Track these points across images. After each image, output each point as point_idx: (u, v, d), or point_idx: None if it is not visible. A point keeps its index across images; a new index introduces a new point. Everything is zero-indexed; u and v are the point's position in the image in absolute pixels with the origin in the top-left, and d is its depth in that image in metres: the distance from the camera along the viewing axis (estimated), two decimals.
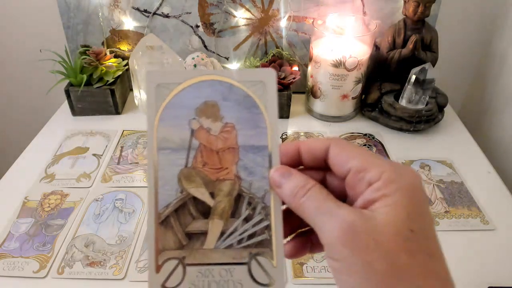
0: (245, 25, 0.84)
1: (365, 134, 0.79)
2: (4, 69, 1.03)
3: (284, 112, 0.82)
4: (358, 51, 0.75)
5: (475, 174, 0.69)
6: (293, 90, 0.80)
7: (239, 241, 0.27)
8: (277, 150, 0.28)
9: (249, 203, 0.28)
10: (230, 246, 0.27)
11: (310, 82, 0.82)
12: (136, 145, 0.75)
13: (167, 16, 0.83)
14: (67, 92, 0.80)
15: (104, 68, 0.80)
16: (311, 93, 0.82)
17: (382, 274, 0.22)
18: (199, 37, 0.86)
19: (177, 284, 0.27)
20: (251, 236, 0.27)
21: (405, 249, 0.22)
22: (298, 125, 0.82)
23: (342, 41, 0.76)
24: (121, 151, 0.73)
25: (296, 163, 0.28)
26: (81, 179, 0.67)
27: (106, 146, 0.75)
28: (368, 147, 0.75)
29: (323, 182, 0.27)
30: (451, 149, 0.75)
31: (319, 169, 0.28)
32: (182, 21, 0.84)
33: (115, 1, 0.82)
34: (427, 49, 0.78)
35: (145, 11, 0.83)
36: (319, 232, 0.24)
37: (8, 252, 0.54)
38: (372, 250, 0.22)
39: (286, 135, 0.78)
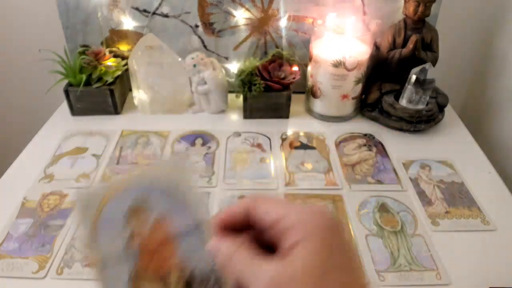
0: (244, 24, 0.84)
1: (365, 134, 0.78)
2: (3, 69, 1.03)
3: (284, 112, 0.82)
4: (358, 51, 0.75)
5: (476, 174, 0.69)
6: (293, 90, 0.80)
7: None
8: (207, 224, 0.28)
9: (201, 281, 0.28)
10: None
11: (310, 82, 0.82)
12: (135, 145, 0.74)
13: (166, 16, 0.83)
14: (66, 92, 0.79)
15: (103, 68, 0.80)
16: (311, 93, 0.82)
17: None
18: (199, 37, 0.86)
19: None
20: None
21: None
22: (298, 125, 0.81)
23: (342, 41, 0.76)
24: (120, 151, 0.73)
25: (232, 227, 0.29)
26: (80, 180, 0.67)
27: (105, 146, 0.74)
28: (368, 147, 0.75)
29: (259, 236, 0.28)
30: (451, 149, 0.75)
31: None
32: (182, 21, 0.84)
33: (114, 1, 0.82)
34: (427, 49, 0.78)
35: (145, 11, 0.83)
36: None
37: (7, 252, 0.54)
38: None
39: (286, 135, 0.78)
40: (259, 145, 0.75)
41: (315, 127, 0.81)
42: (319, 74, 0.78)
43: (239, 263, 0.26)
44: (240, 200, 0.30)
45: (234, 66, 0.88)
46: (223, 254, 0.27)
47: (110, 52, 0.85)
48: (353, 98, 0.80)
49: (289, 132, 0.79)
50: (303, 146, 0.75)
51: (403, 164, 0.71)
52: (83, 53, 0.81)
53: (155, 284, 0.28)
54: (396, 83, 0.79)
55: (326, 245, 0.25)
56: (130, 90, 0.85)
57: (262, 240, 0.28)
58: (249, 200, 0.28)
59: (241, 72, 0.78)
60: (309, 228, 0.25)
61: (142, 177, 0.29)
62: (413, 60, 0.76)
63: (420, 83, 0.73)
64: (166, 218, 0.28)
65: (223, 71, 0.83)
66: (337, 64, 0.74)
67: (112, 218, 0.28)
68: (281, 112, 0.82)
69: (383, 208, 0.62)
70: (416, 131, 0.78)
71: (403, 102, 0.77)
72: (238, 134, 0.78)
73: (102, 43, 0.86)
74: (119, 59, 0.84)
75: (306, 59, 0.87)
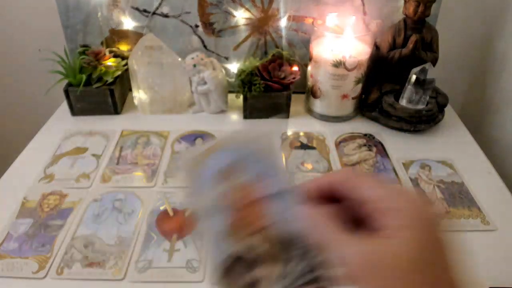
0: (244, 24, 0.84)
1: (365, 134, 0.78)
2: (3, 69, 1.03)
3: (284, 112, 0.82)
4: (358, 51, 0.75)
5: (476, 174, 0.69)
6: (293, 90, 0.80)
7: (297, 280, 0.28)
8: (295, 190, 0.30)
9: (288, 244, 0.29)
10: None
11: (310, 82, 0.82)
12: (135, 145, 0.74)
13: (166, 16, 0.83)
14: (66, 92, 0.79)
15: (103, 68, 0.80)
16: (311, 93, 0.82)
17: None
18: (199, 37, 0.86)
19: None
20: (308, 273, 0.28)
21: (418, 281, 0.24)
22: (298, 125, 0.81)
23: (342, 41, 0.76)
24: (120, 151, 0.73)
25: (324, 196, 0.29)
26: (80, 180, 0.67)
27: (105, 146, 0.74)
28: (368, 147, 0.75)
29: (347, 210, 0.28)
30: (451, 149, 0.75)
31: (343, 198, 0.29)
32: (182, 21, 0.84)
33: (114, 1, 0.82)
34: (427, 49, 0.78)
35: (145, 10, 0.83)
36: (337, 263, 0.26)
37: (7, 252, 0.54)
38: (389, 280, 0.24)
39: (286, 135, 0.78)
40: None
41: (315, 127, 0.81)
42: (319, 74, 0.78)
43: (325, 233, 0.26)
44: (327, 173, 0.31)
45: (234, 66, 0.88)
46: (310, 221, 0.27)
47: (110, 52, 0.85)
48: (353, 98, 0.80)
49: (289, 132, 0.79)
50: (303, 146, 0.75)
51: (403, 164, 0.71)
52: (83, 53, 0.81)
53: (247, 239, 0.29)
54: (396, 83, 0.79)
55: (427, 238, 0.25)
56: (130, 90, 0.85)
57: (344, 215, 0.28)
58: (341, 174, 0.29)
59: (241, 72, 0.78)
60: (413, 216, 0.25)
61: (238, 140, 0.32)
62: (413, 60, 0.76)
63: (420, 83, 0.73)
64: (258, 180, 0.30)
65: (223, 71, 0.83)
66: (337, 64, 0.74)
67: (210, 175, 0.31)
68: (281, 112, 0.82)
69: None
70: (416, 131, 0.78)
71: (403, 102, 0.77)
72: None
73: (102, 43, 0.86)
74: (119, 59, 0.84)
75: (306, 59, 0.87)
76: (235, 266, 0.29)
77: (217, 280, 0.29)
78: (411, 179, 0.67)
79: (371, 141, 0.77)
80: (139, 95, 0.83)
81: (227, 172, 0.31)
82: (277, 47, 0.86)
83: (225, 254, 0.29)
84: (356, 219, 0.27)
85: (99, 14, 0.83)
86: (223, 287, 0.29)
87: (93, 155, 0.72)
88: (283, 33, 0.85)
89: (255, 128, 0.34)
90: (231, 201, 0.30)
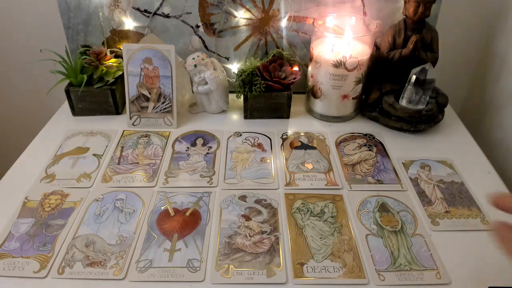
0: (245, 25, 0.84)
1: (365, 134, 0.79)
2: (4, 69, 1.03)
3: (284, 112, 0.82)
4: (359, 51, 0.75)
5: (475, 174, 0.69)
6: (293, 90, 0.80)
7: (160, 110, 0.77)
8: (175, 77, 0.74)
9: (164, 96, 0.76)
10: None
11: (310, 82, 0.82)
12: (136, 145, 0.75)
13: (167, 16, 0.83)
14: (68, 92, 0.80)
15: (104, 68, 0.80)
16: (312, 93, 0.82)
17: None
18: (200, 37, 0.86)
19: None
20: (163, 108, 0.77)
21: None
22: (298, 125, 0.82)
23: (343, 41, 0.76)
24: (122, 151, 0.73)
25: None
26: (82, 179, 0.67)
27: (107, 146, 0.75)
28: (368, 147, 0.75)
29: None
30: (451, 149, 0.75)
31: None
32: (183, 21, 0.84)
33: (116, 1, 0.82)
34: (427, 49, 0.78)
35: (146, 11, 0.83)
36: None
37: (8, 252, 0.54)
38: None
39: (287, 135, 0.78)
40: (259, 145, 0.75)
41: (316, 127, 0.81)
42: (320, 75, 0.78)
43: None
44: None
45: (234, 67, 0.88)
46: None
47: (111, 52, 0.85)
48: (353, 98, 0.80)
49: (290, 132, 0.79)
50: (304, 146, 0.75)
51: (403, 164, 0.71)
52: (84, 53, 0.81)
53: (147, 89, 0.74)
54: (396, 83, 0.80)
55: None
56: None
57: None
58: None
59: (241, 72, 0.78)
60: None
61: (154, 48, 0.72)
62: (413, 60, 0.76)
63: (420, 83, 0.74)
64: (158, 67, 0.73)
65: (224, 72, 0.83)
66: (338, 65, 0.74)
67: (138, 58, 0.73)
68: (281, 112, 0.82)
69: (383, 207, 0.62)
70: (416, 131, 0.78)
71: (403, 102, 0.77)
72: (238, 134, 0.78)
73: (103, 43, 0.87)
74: (120, 59, 0.84)
75: (306, 60, 0.87)
76: (138, 98, 0.75)
77: (129, 105, 0.75)
78: (411, 179, 0.68)
79: (371, 141, 0.77)
80: None
81: (147, 60, 0.73)
82: (277, 47, 0.86)
83: (136, 93, 0.75)
84: None
85: (100, 14, 0.83)
86: (132, 103, 0.74)
87: (94, 155, 0.73)
88: (284, 33, 0.85)
89: (168, 45, 0.75)
90: (145, 72, 0.72)
